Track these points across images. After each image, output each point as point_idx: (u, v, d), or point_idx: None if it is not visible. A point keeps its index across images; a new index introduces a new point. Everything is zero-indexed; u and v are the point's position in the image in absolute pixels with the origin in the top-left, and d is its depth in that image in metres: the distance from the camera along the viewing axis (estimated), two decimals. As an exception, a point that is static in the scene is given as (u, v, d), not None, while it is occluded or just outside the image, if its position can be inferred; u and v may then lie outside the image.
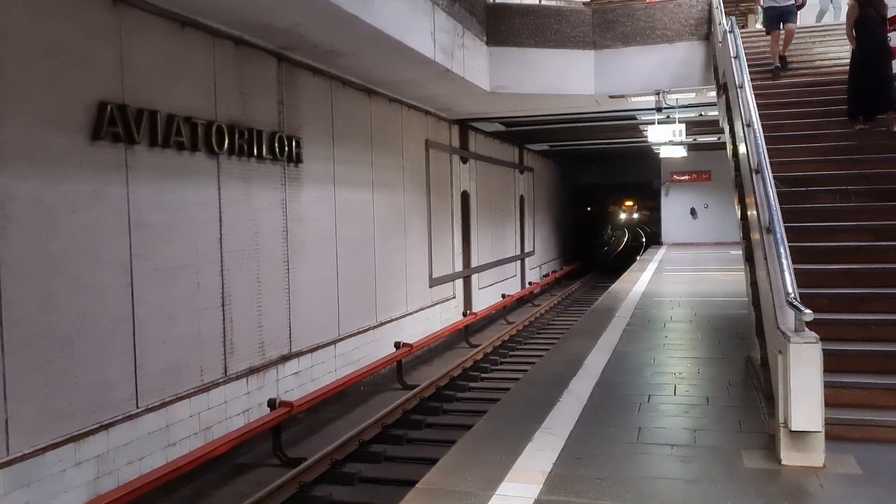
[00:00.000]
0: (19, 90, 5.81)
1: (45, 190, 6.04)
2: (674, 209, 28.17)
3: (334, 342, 10.77)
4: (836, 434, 4.93)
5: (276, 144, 9.20)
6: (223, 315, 8.26)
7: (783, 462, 4.69)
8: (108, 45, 6.68)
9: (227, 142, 8.23)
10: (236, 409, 8.49)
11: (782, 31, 10.65)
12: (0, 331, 5.64)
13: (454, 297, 16.33)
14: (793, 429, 4.57)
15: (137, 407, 7.00)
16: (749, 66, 8.65)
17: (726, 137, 9.47)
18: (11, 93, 5.74)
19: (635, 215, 61.39)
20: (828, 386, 4.67)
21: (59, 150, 6.17)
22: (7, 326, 5.68)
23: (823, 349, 4.55)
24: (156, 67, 7.27)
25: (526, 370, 10.26)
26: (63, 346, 6.19)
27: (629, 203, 60.37)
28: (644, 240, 44.75)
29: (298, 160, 9.72)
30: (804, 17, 15.55)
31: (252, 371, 8.79)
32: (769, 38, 10.92)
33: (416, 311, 13.95)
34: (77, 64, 6.35)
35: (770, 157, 6.60)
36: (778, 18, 10.71)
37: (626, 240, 53.14)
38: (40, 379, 5.97)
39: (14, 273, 5.75)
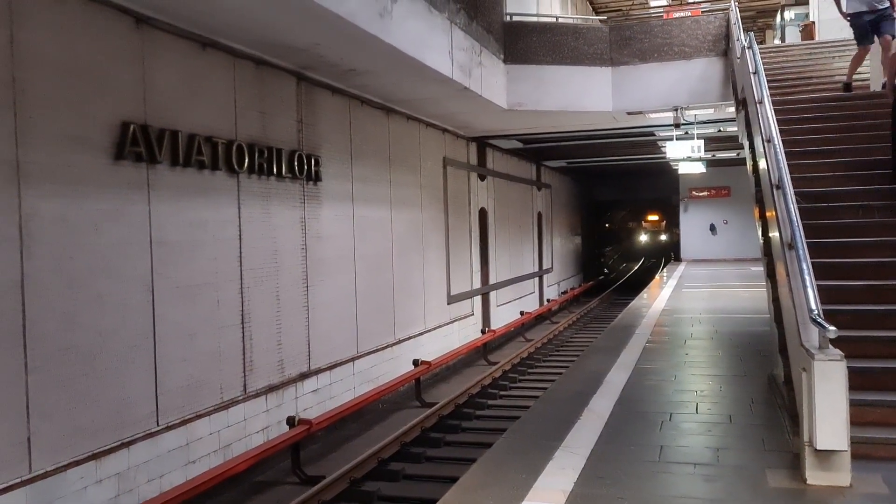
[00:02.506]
0: (44, 110, 5.90)
1: (68, 208, 6.11)
2: (693, 225, 28.05)
3: (353, 359, 10.77)
4: (862, 453, 4.86)
5: (296, 163, 9.26)
6: (243, 332, 8.29)
7: (808, 481, 4.63)
8: (131, 66, 6.78)
9: (247, 161, 8.30)
10: (255, 427, 8.50)
11: (871, 46, 8.83)
12: (23, 348, 5.69)
13: (472, 315, 16.30)
14: (818, 448, 4.50)
15: (158, 424, 7.03)
16: (768, 81, 8.62)
17: (746, 153, 9.42)
18: (37, 113, 5.83)
19: (663, 236, 45.99)
20: (853, 404, 4.60)
21: (82, 169, 6.25)
22: (30, 344, 5.74)
23: (848, 367, 4.49)
24: (177, 87, 7.36)
25: (545, 388, 10.19)
26: (85, 364, 6.23)
27: (653, 218, 46.82)
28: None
29: (317, 178, 9.79)
30: (823, 31, 15.54)
31: (271, 389, 8.80)
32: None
33: (435, 329, 13.93)
34: (101, 85, 6.45)
35: (791, 173, 6.55)
36: (870, 28, 8.86)
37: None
38: (62, 396, 6.02)
39: (38, 291, 5.81)
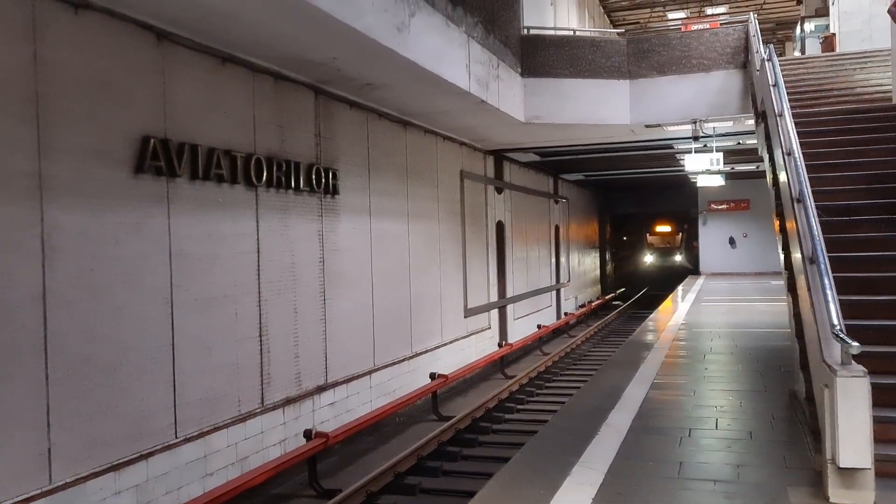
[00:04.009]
0: (67, 125, 5.97)
1: (89, 222, 6.17)
2: (712, 238, 27.89)
3: (370, 373, 10.77)
4: (886, 471, 4.78)
5: (314, 176, 9.31)
6: (260, 345, 8.32)
7: (831, 500, 4.56)
8: (151, 81, 6.86)
9: (265, 174, 8.35)
10: (273, 440, 8.50)
11: None
12: (44, 360, 5.74)
13: (489, 328, 16.26)
14: (841, 465, 4.44)
15: (176, 436, 7.05)
16: (788, 93, 8.57)
17: (766, 166, 9.36)
18: (59, 127, 5.90)
19: (678, 256, 34.53)
20: (877, 421, 4.54)
21: (103, 182, 6.31)
22: (51, 355, 5.79)
23: (872, 383, 4.43)
24: (197, 102, 7.43)
25: (563, 402, 10.14)
26: (105, 376, 6.27)
27: (663, 229, 35.33)
28: None
29: (335, 191, 9.83)
30: (844, 43, 15.45)
31: (288, 401, 8.81)
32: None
33: (451, 342, 13.91)
34: (122, 99, 6.52)
35: (812, 186, 6.50)
36: None
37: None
38: (83, 408, 6.05)
39: (59, 303, 5.86)
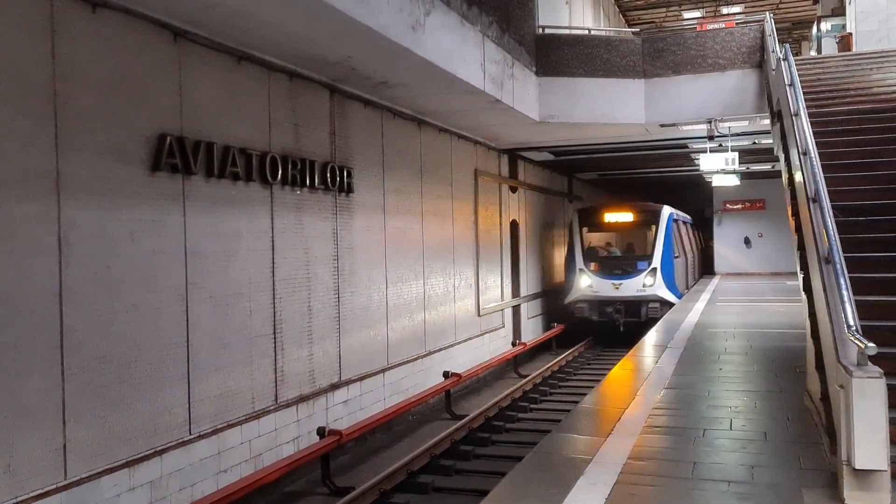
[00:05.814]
0: (84, 123, 6.02)
1: (106, 219, 6.22)
2: (727, 238, 27.75)
3: (383, 371, 10.79)
4: (902, 473, 4.74)
5: (328, 174, 9.34)
6: (274, 343, 8.36)
7: (846, 501, 4.54)
8: (168, 79, 6.90)
9: (280, 172, 8.39)
10: (286, 437, 8.54)
11: None
12: (60, 356, 5.79)
13: (503, 327, 16.25)
14: (856, 467, 4.41)
15: (190, 433, 7.09)
16: (804, 93, 8.51)
17: (782, 166, 9.30)
18: (76, 125, 5.95)
19: (648, 278, 17.16)
20: (893, 423, 4.50)
21: (120, 180, 6.36)
22: (67, 352, 5.84)
23: (888, 384, 4.40)
24: (213, 100, 7.47)
25: (576, 402, 10.12)
26: (120, 372, 6.32)
27: (619, 217, 18.92)
28: None
29: (349, 190, 9.85)
30: (861, 43, 15.32)
31: (302, 399, 8.85)
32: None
33: (465, 341, 13.91)
34: (139, 97, 6.57)
35: (827, 186, 6.46)
36: None
37: None
38: (98, 404, 6.10)
39: (75, 300, 5.91)
